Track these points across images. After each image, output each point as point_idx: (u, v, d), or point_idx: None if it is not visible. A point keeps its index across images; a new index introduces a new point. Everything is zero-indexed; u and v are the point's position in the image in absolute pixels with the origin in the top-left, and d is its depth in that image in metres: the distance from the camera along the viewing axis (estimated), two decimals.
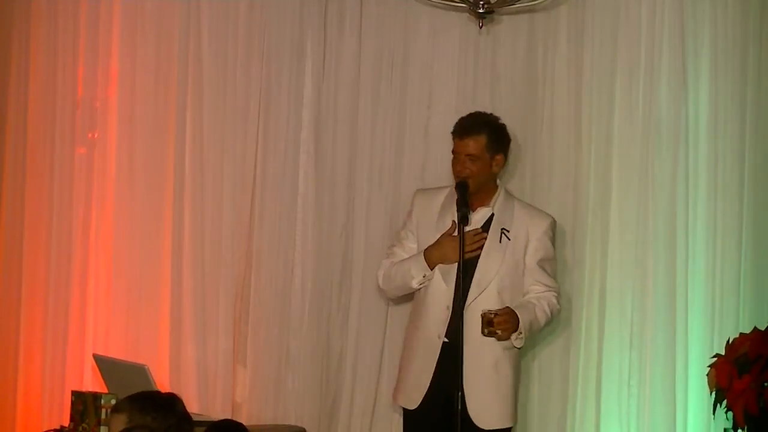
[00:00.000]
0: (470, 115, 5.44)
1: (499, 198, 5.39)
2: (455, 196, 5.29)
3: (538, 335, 5.89)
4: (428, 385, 5.29)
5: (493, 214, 5.36)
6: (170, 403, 4.19)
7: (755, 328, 5.41)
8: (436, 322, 5.32)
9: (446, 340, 5.27)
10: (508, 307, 5.20)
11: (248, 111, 6.12)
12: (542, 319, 5.31)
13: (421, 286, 5.34)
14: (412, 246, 5.46)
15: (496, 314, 5.14)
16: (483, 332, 5.15)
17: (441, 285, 5.31)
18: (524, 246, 5.34)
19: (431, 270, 5.29)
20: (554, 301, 5.35)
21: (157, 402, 4.19)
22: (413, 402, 5.34)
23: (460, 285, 5.19)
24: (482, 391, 5.10)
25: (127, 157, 6.16)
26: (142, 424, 4.02)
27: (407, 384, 5.41)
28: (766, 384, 5.22)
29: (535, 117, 6.02)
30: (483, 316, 5.15)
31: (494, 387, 5.26)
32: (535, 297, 5.32)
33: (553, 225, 5.45)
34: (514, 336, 5.21)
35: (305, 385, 6.07)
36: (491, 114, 5.46)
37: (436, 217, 5.42)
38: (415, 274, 5.31)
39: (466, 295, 5.25)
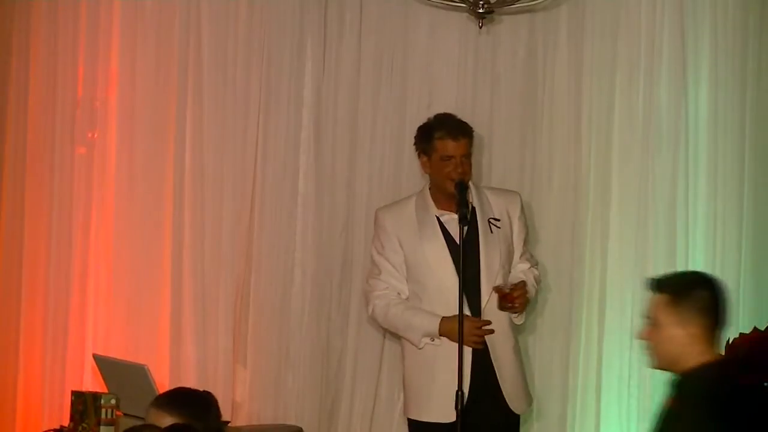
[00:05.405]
0: (448, 116, 5.29)
1: (473, 191, 5.31)
2: (425, 203, 5.21)
3: (538, 336, 5.91)
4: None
5: (474, 208, 5.31)
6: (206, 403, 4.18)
7: (755, 328, 5.41)
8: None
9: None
10: (521, 281, 5.12)
11: (248, 111, 6.13)
12: (533, 294, 5.26)
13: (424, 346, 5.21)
14: (399, 260, 5.24)
15: (512, 288, 5.06)
16: (499, 307, 5.06)
17: (443, 291, 5.15)
18: (509, 227, 5.27)
19: (439, 337, 5.13)
20: (537, 274, 5.32)
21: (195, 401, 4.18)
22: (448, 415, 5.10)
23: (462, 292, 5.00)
24: (511, 376, 5.11)
25: (127, 156, 6.17)
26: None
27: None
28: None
29: (535, 117, 6.02)
30: (498, 290, 5.05)
31: (518, 370, 5.20)
32: (522, 273, 5.25)
33: (521, 199, 5.36)
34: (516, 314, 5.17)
35: (305, 385, 6.07)
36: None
37: (416, 227, 5.23)
38: (421, 336, 5.15)
39: (479, 298, 5.14)
